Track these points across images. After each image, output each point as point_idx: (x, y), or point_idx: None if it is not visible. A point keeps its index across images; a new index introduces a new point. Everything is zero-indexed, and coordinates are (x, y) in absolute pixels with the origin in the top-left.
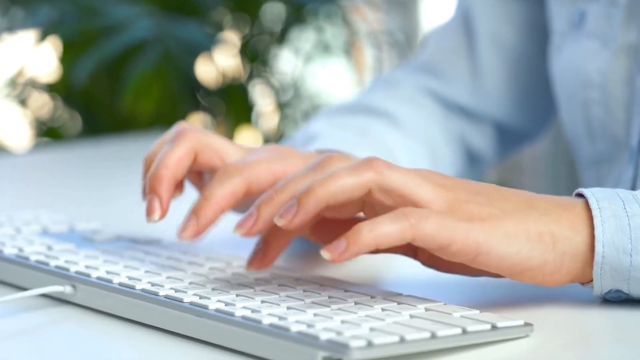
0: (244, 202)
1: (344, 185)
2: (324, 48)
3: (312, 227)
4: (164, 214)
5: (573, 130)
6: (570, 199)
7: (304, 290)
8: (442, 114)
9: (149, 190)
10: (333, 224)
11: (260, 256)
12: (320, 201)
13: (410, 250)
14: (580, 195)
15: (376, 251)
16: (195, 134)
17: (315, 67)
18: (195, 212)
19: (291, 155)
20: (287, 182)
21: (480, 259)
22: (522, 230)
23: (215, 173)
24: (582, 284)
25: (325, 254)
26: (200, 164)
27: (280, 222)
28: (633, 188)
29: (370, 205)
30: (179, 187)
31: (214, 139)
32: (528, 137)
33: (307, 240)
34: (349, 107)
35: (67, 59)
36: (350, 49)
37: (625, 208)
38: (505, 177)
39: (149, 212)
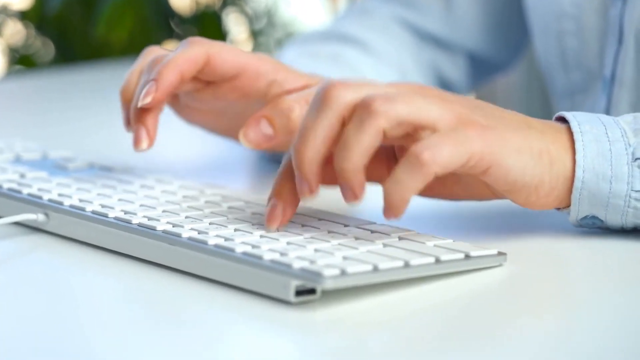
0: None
1: (365, 145)
2: None
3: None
4: (152, 143)
5: (547, 61)
6: (556, 122)
7: None
8: (415, 43)
9: (136, 120)
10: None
11: (280, 214)
12: (314, 161)
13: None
14: (562, 120)
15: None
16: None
17: None
18: (156, 77)
19: (264, 56)
20: (305, 129)
21: (492, 170)
22: (527, 145)
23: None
24: (559, 208)
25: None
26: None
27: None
28: None
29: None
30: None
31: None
32: (501, 67)
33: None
34: (320, 35)
35: None
36: None
37: (607, 133)
38: None
39: (138, 141)
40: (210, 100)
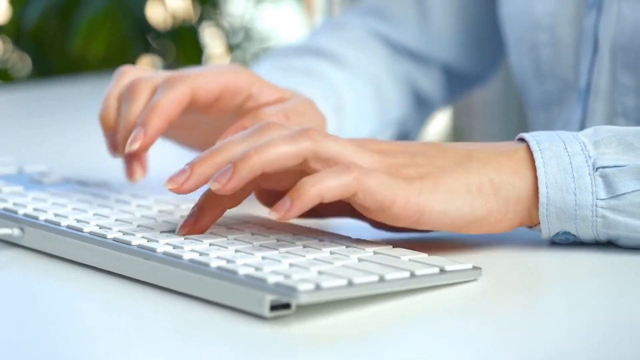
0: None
1: (280, 153)
2: None
3: (257, 194)
4: (144, 172)
5: (522, 72)
6: (512, 144)
7: (252, 234)
8: (390, 56)
9: (128, 152)
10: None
11: (192, 222)
12: (255, 167)
13: (357, 212)
14: (523, 141)
15: (323, 214)
16: (146, 83)
17: (266, 9)
18: (143, 123)
19: (239, 69)
20: (224, 145)
21: (423, 219)
22: (462, 184)
23: (160, 83)
24: (530, 227)
25: (272, 214)
26: None
27: (214, 186)
28: (581, 129)
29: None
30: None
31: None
32: (477, 80)
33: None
34: (295, 49)
35: (18, 0)
36: None
37: (566, 148)
38: (457, 121)
39: (132, 173)
40: (184, 116)
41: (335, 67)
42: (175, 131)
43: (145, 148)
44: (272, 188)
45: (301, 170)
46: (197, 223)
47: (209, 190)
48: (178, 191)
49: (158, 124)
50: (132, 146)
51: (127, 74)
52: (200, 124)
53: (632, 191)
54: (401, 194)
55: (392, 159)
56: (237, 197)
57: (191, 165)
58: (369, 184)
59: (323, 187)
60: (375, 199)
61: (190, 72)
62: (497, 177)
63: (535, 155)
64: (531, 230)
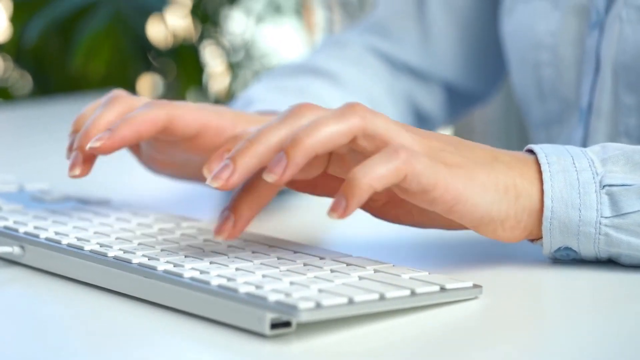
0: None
1: (331, 132)
2: (275, 9)
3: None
4: (86, 171)
5: (524, 91)
6: (525, 154)
7: (253, 252)
8: (390, 73)
9: (77, 147)
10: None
11: (231, 225)
12: (308, 151)
13: None
14: (531, 152)
15: (323, 192)
16: (127, 99)
17: (267, 28)
18: (112, 129)
19: (223, 110)
20: (262, 131)
21: (457, 208)
22: (492, 181)
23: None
24: (532, 241)
25: (332, 214)
26: None
27: (270, 178)
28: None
29: (338, 158)
30: None
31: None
32: (478, 98)
33: None
34: (292, 68)
35: (18, 19)
36: (301, 10)
37: (574, 163)
38: None
39: (72, 167)
40: (172, 153)
41: (331, 85)
42: (166, 167)
43: (104, 150)
44: (299, 178)
45: (329, 155)
46: (236, 225)
47: (242, 191)
48: (224, 188)
49: (126, 132)
50: (94, 144)
51: (116, 91)
52: (189, 162)
53: (637, 211)
54: (442, 177)
55: (430, 142)
56: (269, 193)
57: (232, 158)
58: (418, 166)
59: (374, 176)
60: (420, 182)
61: (174, 102)
62: (520, 183)
63: (543, 168)
64: (532, 245)
